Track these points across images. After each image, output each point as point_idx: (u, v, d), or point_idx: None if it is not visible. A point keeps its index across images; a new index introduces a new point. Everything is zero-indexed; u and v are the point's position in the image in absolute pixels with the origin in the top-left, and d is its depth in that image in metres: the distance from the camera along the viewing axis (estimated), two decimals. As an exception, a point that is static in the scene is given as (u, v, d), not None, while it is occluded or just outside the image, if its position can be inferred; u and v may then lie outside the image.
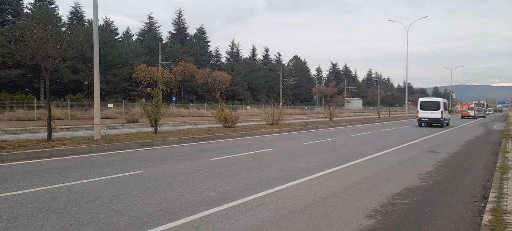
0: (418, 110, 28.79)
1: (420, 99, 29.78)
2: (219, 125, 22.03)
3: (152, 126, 16.94)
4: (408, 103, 65.28)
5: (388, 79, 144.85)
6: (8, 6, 44.61)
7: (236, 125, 22.17)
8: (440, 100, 28.26)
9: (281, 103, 47.15)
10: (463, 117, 49.93)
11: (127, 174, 7.89)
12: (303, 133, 21.14)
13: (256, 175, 7.85)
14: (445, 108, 28.59)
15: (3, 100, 29.64)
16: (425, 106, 28.11)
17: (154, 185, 6.80)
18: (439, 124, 27.33)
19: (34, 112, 28.29)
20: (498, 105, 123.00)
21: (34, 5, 46.13)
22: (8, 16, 44.80)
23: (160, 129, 17.82)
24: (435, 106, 27.56)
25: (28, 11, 44.71)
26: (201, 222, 4.76)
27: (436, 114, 27.13)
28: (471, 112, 49.67)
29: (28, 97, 33.97)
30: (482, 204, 5.77)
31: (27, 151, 10.36)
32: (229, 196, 6.06)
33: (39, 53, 12.74)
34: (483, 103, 69.06)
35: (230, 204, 5.55)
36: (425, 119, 27.68)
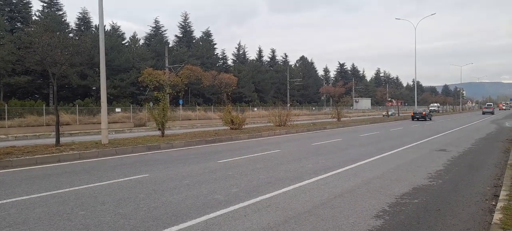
0: (483, 108, 78.17)
1: (485, 105, 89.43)
2: (226, 127, 22.05)
3: (159, 129, 17.01)
4: (416, 102, 64.60)
5: (397, 78, 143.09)
6: (17, 14, 45.28)
7: (243, 127, 22.15)
8: (492, 104, 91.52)
9: (288, 105, 47.04)
10: (500, 110, 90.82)
11: (133, 177, 7.90)
12: (310, 134, 21.03)
13: (263, 177, 7.81)
14: (493, 107, 79.47)
15: (13, 106, 29.98)
16: (486, 107, 75.40)
17: (160, 188, 6.80)
18: (492, 113, 63.64)
19: (43, 118, 28.59)
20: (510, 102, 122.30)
21: (42, 12, 46.72)
22: (17, 24, 45.43)
23: (167, 132, 17.88)
24: (490, 107, 74.34)
25: (37, 18, 45.29)
26: (207, 224, 4.73)
27: (490, 109, 69.08)
28: (504, 107, 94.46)
29: (37, 103, 34.34)
30: (493, 203, 5.65)
31: (36, 156, 10.46)
32: (236, 198, 6.02)
33: (47, 59, 12.90)
34: (507, 102, 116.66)
35: (237, 206, 5.52)
36: (486, 111, 66.20)
